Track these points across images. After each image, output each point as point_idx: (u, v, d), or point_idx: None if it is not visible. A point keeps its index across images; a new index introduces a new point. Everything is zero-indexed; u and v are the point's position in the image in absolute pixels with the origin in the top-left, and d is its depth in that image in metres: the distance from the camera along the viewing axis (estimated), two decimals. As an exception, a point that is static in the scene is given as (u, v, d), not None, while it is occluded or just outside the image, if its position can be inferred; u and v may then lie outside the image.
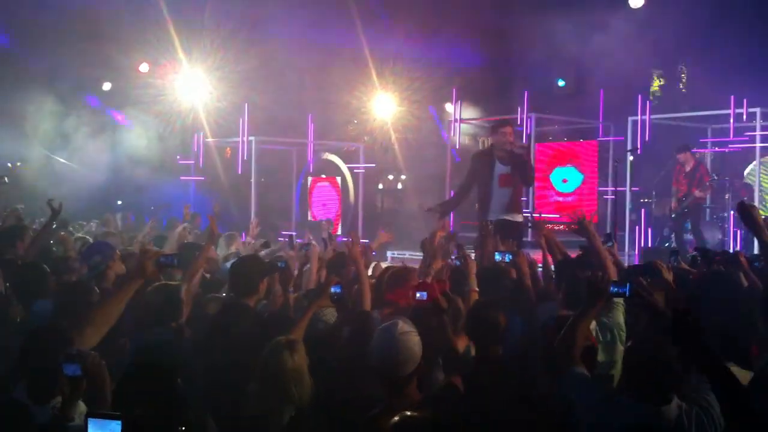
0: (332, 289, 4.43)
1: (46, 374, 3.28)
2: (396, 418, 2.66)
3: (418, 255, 11.10)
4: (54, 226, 7.95)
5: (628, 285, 3.78)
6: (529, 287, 5.63)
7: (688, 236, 12.78)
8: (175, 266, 4.50)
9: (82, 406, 3.31)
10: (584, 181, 14.75)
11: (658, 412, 3.29)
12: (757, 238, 5.51)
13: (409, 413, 2.75)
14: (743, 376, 4.05)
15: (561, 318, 4.08)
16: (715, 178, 13.38)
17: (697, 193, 12.28)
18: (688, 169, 12.46)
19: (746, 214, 5.11)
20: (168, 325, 4.83)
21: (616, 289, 3.75)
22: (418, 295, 4.06)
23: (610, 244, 6.95)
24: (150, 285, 4.74)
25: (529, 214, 8.89)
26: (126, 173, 17.17)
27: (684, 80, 15.39)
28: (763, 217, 5.25)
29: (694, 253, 6.70)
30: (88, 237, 9.72)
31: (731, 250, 9.12)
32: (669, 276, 4.63)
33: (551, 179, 15.07)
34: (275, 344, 3.74)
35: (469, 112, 15.80)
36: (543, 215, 14.88)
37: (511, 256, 5.96)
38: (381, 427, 3.06)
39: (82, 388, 3.27)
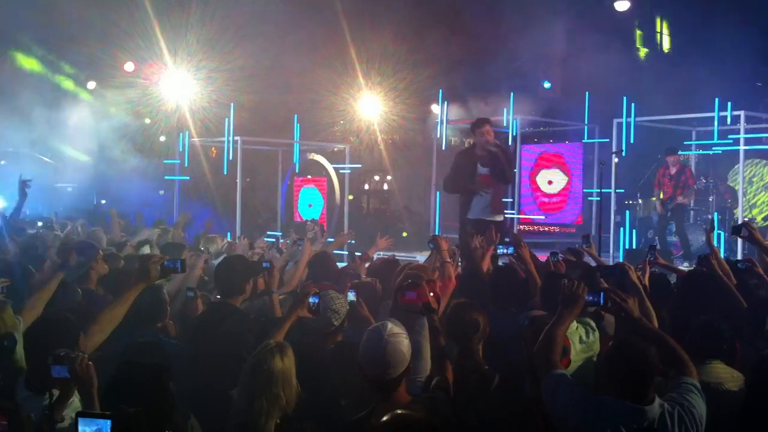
0: (311, 300, 4.33)
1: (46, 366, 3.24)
2: (387, 417, 2.63)
3: (404, 256, 11.14)
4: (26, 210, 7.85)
5: (602, 293, 3.81)
6: (535, 276, 5.65)
7: (673, 238, 12.85)
8: (179, 271, 4.45)
9: (76, 403, 3.29)
10: (569, 182, 14.81)
11: (642, 411, 3.30)
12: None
13: (400, 411, 2.72)
14: (729, 373, 4.07)
15: (536, 319, 4.09)
16: (703, 181, 13.47)
17: (681, 198, 12.34)
18: (673, 172, 12.51)
19: (741, 232, 5.22)
20: (154, 326, 4.81)
21: (590, 297, 3.79)
22: (407, 295, 4.03)
23: (587, 245, 7.05)
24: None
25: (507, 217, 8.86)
26: (110, 173, 17.04)
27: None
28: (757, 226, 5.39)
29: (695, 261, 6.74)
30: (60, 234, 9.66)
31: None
32: (635, 278, 4.61)
33: (537, 181, 15.12)
34: (265, 347, 3.68)
35: (455, 114, 15.84)
36: (528, 216, 14.95)
37: (512, 248, 6.01)
38: (368, 429, 3.03)
39: (71, 391, 3.24)
